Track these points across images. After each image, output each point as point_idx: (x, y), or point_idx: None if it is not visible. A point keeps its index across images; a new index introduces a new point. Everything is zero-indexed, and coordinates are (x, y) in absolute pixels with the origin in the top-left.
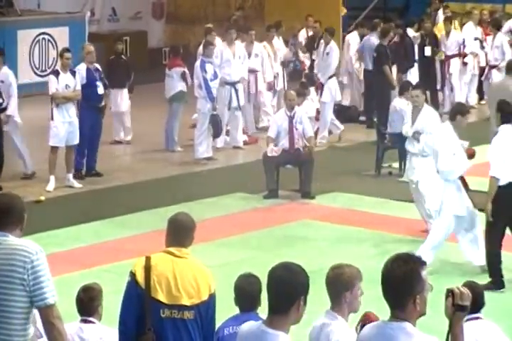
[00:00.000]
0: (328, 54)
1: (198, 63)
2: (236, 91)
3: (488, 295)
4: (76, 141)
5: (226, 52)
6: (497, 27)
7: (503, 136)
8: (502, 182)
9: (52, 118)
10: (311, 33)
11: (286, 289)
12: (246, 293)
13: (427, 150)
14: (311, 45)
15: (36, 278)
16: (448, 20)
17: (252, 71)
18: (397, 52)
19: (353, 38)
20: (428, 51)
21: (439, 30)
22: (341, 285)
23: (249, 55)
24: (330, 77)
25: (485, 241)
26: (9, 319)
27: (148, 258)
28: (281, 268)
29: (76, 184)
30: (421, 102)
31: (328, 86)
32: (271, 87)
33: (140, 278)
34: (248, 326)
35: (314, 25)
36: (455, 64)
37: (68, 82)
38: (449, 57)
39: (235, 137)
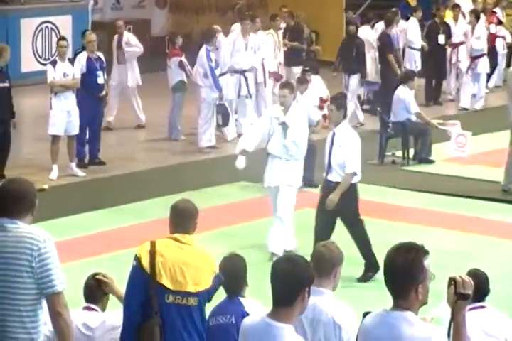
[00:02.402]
0: (217, 49)
1: (203, 52)
2: (246, 79)
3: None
4: (75, 131)
5: (239, 42)
6: (476, 17)
7: (351, 132)
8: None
9: (51, 108)
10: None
11: (291, 281)
12: (230, 274)
13: (292, 151)
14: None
15: (43, 266)
16: (455, 8)
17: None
18: (344, 51)
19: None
20: (442, 39)
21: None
22: (334, 260)
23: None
24: (223, 74)
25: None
26: (19, 306)
27: (153, 243)
28: (284, 260)
29: (79, 173)
30: (288, 101)
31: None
32: (276, 77)
33: (145, 262)
34: (251, 320)
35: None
36: (463, 51)
37: (66, 70)
38: (456, 45)
39: (242, 124)
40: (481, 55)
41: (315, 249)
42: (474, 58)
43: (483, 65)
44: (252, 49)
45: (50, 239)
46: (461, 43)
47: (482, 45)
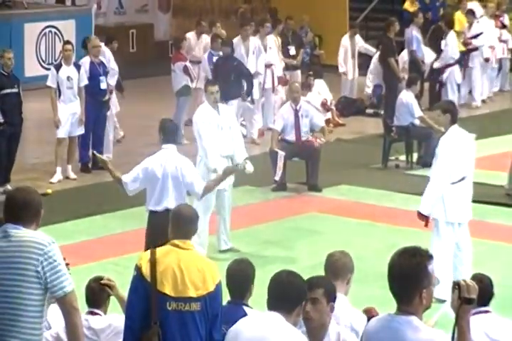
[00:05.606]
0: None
1: (205, 56)
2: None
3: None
4: (80, 131)
5: (238, 48)
6: (449, 26)
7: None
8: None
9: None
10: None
11: (295, 292)
12: (237, 277)
13: None
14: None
15: (52, 269)
16: (469, 13)
17: (267, 65)
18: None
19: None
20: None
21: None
22: (348, 266)
23: (265, 48)
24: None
25: None
26: (25, 311)
27: (153, 252)
28: (287, 273)
29: (72, 175)
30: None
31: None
32: (283, 81)
33: (146, 271)
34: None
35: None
36: (477, 57)
37: (70, 74)
38: (469, 51)
39: (250, 131)
40: (453, 64)
41: (331, 254)
42: (446, 66)
43: (454, 74)
44: (253, 53)
45: (54, 241)
46: (475, 49)
47: (455, 54)
